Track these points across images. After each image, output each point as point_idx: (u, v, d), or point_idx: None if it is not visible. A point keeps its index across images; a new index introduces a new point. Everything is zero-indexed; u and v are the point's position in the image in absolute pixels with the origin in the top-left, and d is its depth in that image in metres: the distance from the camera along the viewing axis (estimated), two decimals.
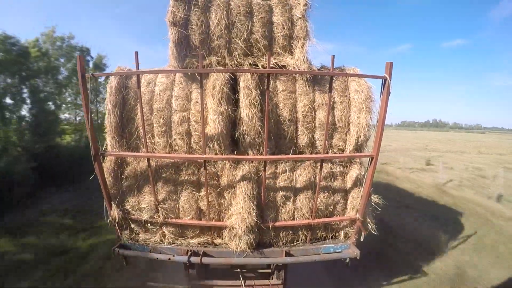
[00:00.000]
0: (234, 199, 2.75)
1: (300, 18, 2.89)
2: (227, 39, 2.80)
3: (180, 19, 2.79)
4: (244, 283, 3.08)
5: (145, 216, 2.86)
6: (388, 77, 2.61)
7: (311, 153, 2.87)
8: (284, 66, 2.80)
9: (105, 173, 2.82)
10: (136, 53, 2.54)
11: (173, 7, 2.83)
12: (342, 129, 2.86)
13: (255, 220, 2.72)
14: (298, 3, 2.89)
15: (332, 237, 3.07)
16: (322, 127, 2.77)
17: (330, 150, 2.90)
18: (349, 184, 2.96)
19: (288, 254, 2.90)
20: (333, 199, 2.95)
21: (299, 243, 3.00)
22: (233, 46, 2.81)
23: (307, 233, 2.99)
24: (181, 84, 2.82)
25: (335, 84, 2.83)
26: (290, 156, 2.80)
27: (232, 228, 2.75)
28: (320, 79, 2.88)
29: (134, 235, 2.99)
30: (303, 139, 2.83)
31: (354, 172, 2.95)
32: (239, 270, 3.19)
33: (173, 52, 2.82)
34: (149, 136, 2.76)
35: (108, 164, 2.85)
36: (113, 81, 2.81)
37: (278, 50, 2.83)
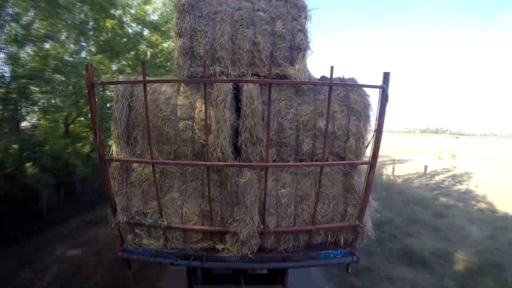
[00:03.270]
0: (236, 205, 2.82)
1: (300, 30, 3.00)
2: (231, 50, 2.90)
3: (186, 30, 2.91)
4: None
5: (149, 221, 2.92)
6: (385, 87, 2.71)
7: (311, 161, 2.94)
8: (285, 76, 2.90)
9: (111, 179, 2.90)
10: (144, 63, 2.66)
11: (178, 19, 2.95)
12: (341, 137, 2.94)
13: (257, 225, 2.79)
14: (299, 15, 3.00)
15: (332, 243, 3.12)
16: (322, 135, 2.85)
17: (330, 157, 2.97)
18: (349, 191, 3.03)
19: (289, 259, 2.96)
20: (333, 205, 3.01)
21: (299, 249, 3.06)
22: (236, 56, 2.90)
23: (308, 239, 3.05)
24: (185, 93, 2.91)
25: (335, 94, 2.92)
26: (291, 163, 2.87)
27: (234, 234, 2.81)
28: (320, 89, 2.97)
29: (137, 239, 3.04)
30: (303, 147, 2.91)
31: (353, 179, 3.02)
32: (240, 275, 3.24)
33: (179, 62, 2.93)
34: (154, 143, 2.84)
35: (113, 170, 2.93)
36: (119, 89, 2.91)
37: (280, 60, 2.92)
